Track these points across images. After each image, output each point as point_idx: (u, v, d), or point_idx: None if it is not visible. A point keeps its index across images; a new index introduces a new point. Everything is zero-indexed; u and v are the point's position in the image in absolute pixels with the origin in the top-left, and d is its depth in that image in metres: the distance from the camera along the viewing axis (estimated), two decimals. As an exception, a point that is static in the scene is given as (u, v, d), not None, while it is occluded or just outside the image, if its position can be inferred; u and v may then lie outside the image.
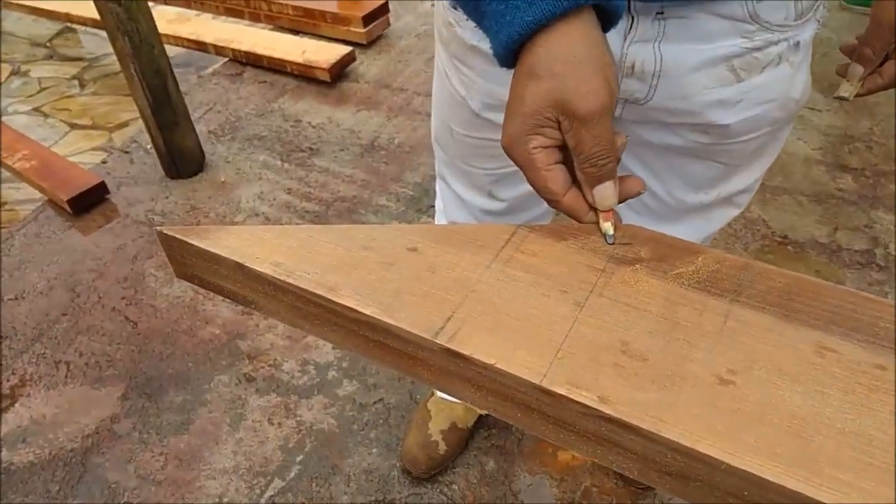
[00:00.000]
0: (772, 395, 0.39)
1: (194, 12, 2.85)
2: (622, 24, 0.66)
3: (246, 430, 1.42)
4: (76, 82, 2.98)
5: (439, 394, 1.37)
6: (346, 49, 2.37)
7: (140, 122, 2.62)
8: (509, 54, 0.48)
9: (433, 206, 1.89)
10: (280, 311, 0.51)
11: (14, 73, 3.07)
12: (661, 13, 0.64)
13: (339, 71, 2.35)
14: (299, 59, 2.33)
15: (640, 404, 0.39)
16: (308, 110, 2.27)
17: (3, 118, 2.51)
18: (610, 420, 0.39)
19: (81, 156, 2.48)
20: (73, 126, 2.72)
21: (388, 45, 2.55)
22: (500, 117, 0.76)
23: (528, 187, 0.87)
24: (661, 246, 0.48)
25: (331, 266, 0.48)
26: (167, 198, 1.97)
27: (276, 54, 2.37)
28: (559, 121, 0.47)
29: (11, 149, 2.09)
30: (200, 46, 2.53)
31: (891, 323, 0.42)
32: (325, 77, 2.31)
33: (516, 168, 0.83)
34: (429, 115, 2.25)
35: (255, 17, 2.67)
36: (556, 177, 0.48)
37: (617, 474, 1.31)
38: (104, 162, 2.15)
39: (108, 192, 1.96)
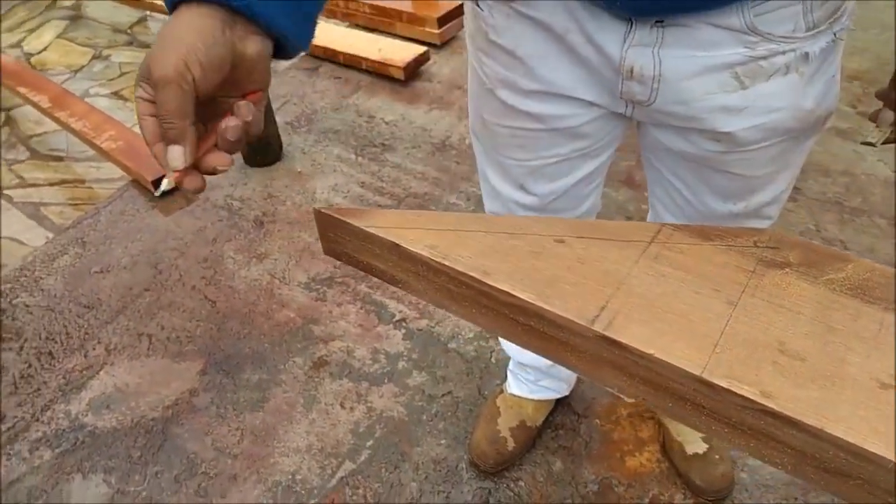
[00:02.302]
0: (934, 402, 0.40)
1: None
2: (621, 28, 0.68)
3: (319, 412, 1.47)
4: (155, 69, 3.09)
5: (510, 390, 1.39)
6: (421, 49, 2.40)
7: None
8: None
9: (504, 207, 1.92)
10: (428, 291, 0.53)
11: (96, 57, 3.20)
12: (660, 21, 0.66)
13: (414, 70, 2.38)
14: (375, 57, 2.38)
15: (802, 401, 0.40)
16: (382, 107, 2.31)
17: (86, 101, 2.61)
18: (773, 415, 0.40)
19: (159, 140, 2.57)
20: (151, 111, 2.82)
21: (460, 46, 2.58)
22: (523, 103, 0.81)
23: (562, 183, 0.91)
24: (809, 252, 0.49)
25: (483, 252, 0.51)
26: (245, 184, 2.04)
27: (353, 51, 2.42)
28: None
29: (99, 129, 2.18)
30: (280, 39, 2.59)
31: None
32: (400, 75, 2.35)
33: (547, 161, 0.87)
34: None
35: (331, 14, 2.73)
36: (146, 126, 0.51)
37: (685, 486, 1.31)
38: (186, 146, 2.22)
39: (190, 175, 2.03)
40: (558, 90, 0.78)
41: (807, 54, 0.68)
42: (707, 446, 1.29)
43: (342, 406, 1.48)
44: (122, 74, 3.05)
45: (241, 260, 1.81)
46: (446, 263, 0.50)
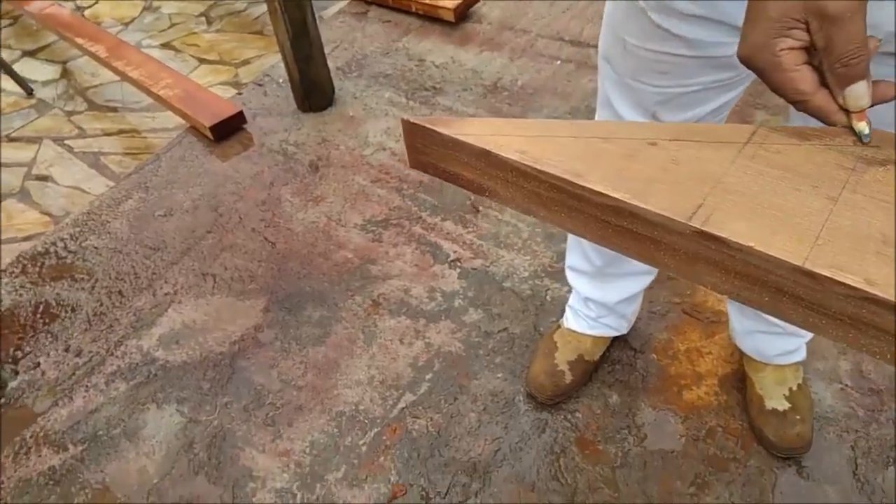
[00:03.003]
0: None
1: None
2: None
3: (378, 346, 1.50)
4: (203, 19, 3.10)
5: (566, 325, 1.40)
6: (472, -11, 2.37)
7: (265, 59, 2.73)
8: None
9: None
10: (517, 197, 0.54)
11: (146, 8, 3.23)
12: None
13: (464, 11, 2.35)
14: (424, 0, 2.35)
15: (907, 289, 0.40)
16: (432, 50, 2.29)
17: (141, 51, 2.65)
18: (877, 301, 0.40)
19: (210, 90, 2.60)
20: (201, 61, 2.84)
21: (511, -14, 2.53)
22: (678, 27, 0.77)
23: (696, 112, 0.87)
24: (912, 149, 0.49)
25: (574, 155, 0.51)
26: (299, 129, 2.06)
27: (402, -7, 2.40)
28: (808, 22, 0.47)
29: (156, 77, 2.22)
30: (327, -16, 2.58)
31: None
32: (450, 17, 2.32)
33: (687, 89, 0.83)
34: (553, 57, 2.23)
35: (378, -44, 2.69)
36: (804, 76, 0.49)
37: (744, 416, 1.31)
38: (240, 94, 2.25)
39: (245, 121, 2.06)
40: (720, 16, 0.73)
41: None
42: (789, 405, 1.25)
43: (401, 342, 1.51)
44: (172, 25, 3.07)
45: (298, 203, 1.84)
46: (537, 167, 0.51)
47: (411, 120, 0.57)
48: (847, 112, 0.49)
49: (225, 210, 1.85)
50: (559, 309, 1.52)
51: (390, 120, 2.06)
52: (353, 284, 1.63)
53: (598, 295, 1.28)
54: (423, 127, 0.56)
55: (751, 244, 0.44)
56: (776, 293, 0.45)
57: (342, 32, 2.43)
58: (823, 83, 0.50)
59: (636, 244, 0.50)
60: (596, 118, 1.05)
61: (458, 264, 1.66)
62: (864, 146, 0.49)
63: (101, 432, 1.43)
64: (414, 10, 2.41)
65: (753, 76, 0.85)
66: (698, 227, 0.45)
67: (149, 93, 2.22)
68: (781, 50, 0.48)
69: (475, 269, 1.64)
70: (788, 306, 0.45)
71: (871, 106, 0.49)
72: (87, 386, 1.52)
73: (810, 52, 0.49)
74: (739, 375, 1.36)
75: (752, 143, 0.50)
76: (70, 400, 1.49)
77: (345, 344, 1.52)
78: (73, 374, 1.54)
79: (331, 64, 2.24)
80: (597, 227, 0.51)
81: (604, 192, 0.48)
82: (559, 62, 2.18)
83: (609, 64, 0.92)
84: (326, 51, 2.29)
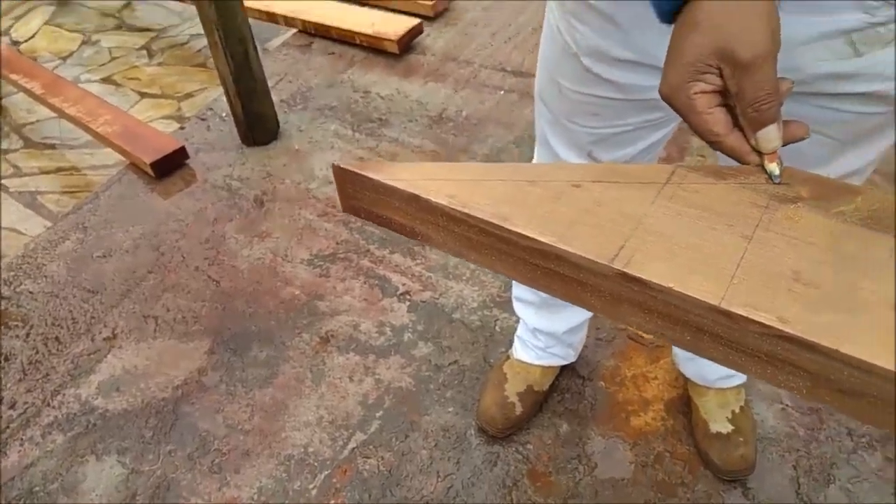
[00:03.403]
0: (946, 321, 0.41)
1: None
2: None
3: (327, 385, 1.48)
4: (144, 52, 3.06)
5: (516, 356, 1.40)
6: (414, 21, 2.39)
7: (209, 92, 2.70)
8: (673, 10, 0.50)
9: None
10: (448, 241, 0.54)
11: (85, 42, 3.17)
12: None
13: (408, 43, 2.38)
14: (368, 31, 2.37)
15: (817, 325, 0.41)
16: (377, 81, 2.31)
17: (79, 86, 2.59)
18: (790, 339, 0.41)
19: (152, 124, 2.56)
20: (143, 95, 2.80)
21: (454, 17, 2.57)
22: (609, 72, 0.79)
23: (629, 151, 0.89)
24: (820, 185, 0.51)
25: (502, 199, 0.52)
26: (244, 164, 2.04)
27: (346, 25, 2.41)
28: (720, 68, 0.49)
29: (94, 114, 2.17)
30: (271, 17, 2.58)
31: None
32: (394, 49, 2.34)
33: (619, 129, 0.86)
34: (496, 87, 2.26)
35: (321, -10, 2.71)
36: (717, 119, 0.50)
37: (690, 440, 1.33)
38: (182, 128, 2.22)
39: (187, 157, 2.03)
40: (650, 60, 0.75)
41: None
42: (732, 428, 1.28)
43: (350, 379, 1.49)
44: (112, 59, 3.02)
45: (243, 239, 1.82)
46: (466, 211, 0.51)
47: (342, 165, 0.57)
48: (759, 153, 0.51)
49: (167, 249, 1.81)
50: (508, 339, 1.53)
51: (336, 153, 2.06)
52: (300, 322, 1.60)
53: (545, 325, 1.29)
54: (354, 172, 0.56)
55: (670, 285, 0.45)
56: (697, 332, 0.46)
57: (286, 65, 2.43)
58: (738, 124, 0.52)
59: (563, 286, 0.50)
60: (535, 154, 1.07)
61: (408, 297, 1.65)
62: (775, 185, 0.51)
63: (37, 488, 1.37)
64: (358, 42, 2.42)
65: None
66: (620, 268, 0.46)
67: (87, 130, 2.17)
68: (695, 93, 0.50)
69: (424, 301, 1.64)
70: (709, 345, 0.46)
71: (785, 145, 0.51)
72: (21, 440, 1.45)
73: (725, 94, 0.51)
74: (685, 399, 1.39)
75: (671, 184, 0.52)
76: (4, 455, 1.42)
77: (292, 384, 1.49)
78: (7, 427, 1.47)
79: (275, 97, 2.23)
80: (526, 269, 0.52)
81: (530, 235, 0.49)
82: (502, 92, 2.22)
83: (545, 104, 0.94)
84: (270, 84, 2.28)
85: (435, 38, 2.47)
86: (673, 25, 0.52)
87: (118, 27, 3.24)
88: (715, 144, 0.51)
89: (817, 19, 0.65)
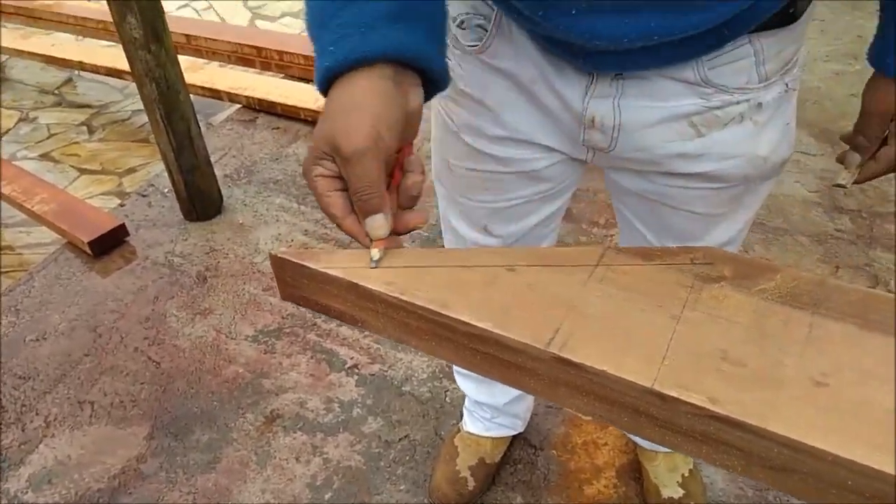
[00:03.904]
0: (863, 395, 0.43)
1: (203, 61, 2.93)
2: (583, 81, 0.71)
3: (273, 467, 1.43)
4: (84, 128, 3.03)
5: (466, 428, 1.39)
6: (358, 97, 2.44)
7: (150, 168, 2.68)
8: (324, 95, 0.53)
9: (449, 247, 1.94)
10: (388, 327, 0.54)
11: (22, 119, 3.13)
12: (620, 74, 0.70)
13: (351, 118, 2.42)
14: (313, 107, 2.40)
15: (745, 404, 0.43)
16: (321, 155, 2.33)
17: (14, 164, 2.54)
18: (720, 419, 0.43)
19: (92, 200, 2.51)
20: (82, 171, 2.76)
21: (396, 93, 2.63)
22: (489, 147, 0.83)
23: (523, 225, 0.93)
24: (741, 265, 0.53)
25: (439, 285, 0.52)
26: (186, 240, 2.01)
27: (290, 101, 2.44)
28: (333, 157, 0.51)
29: (30, 192, 2.12)
30: (214, 94, 2.59)
31: (959, 331, 0.47)
32: (338, 123, 2.38)
33: (510, 202, 0.90)
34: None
35: (265, 66, 2.75)
36: (334, 202, 0.52)
37: (644, 507, 1.33)
38: (122, 205, 2.18)
39: (127, 234, 1.99)
40: (523, 136, 0.80)
41: (760, 104, 0.71)
42: (683, 492, 1.29)
43: (297, 460, 1.45)
44: (50, 136, 2.98)
45: (185, 317, 1.77)
46: (404, 298, 0.52)
47: (279, 255, 0.57)
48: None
49: (104, 330, 1.75)
50: (459, 410, 1.51)
51: (281, 226, 2.05)
52: (244, 401, 1.56)
53: (485, 398, 1.28)
54: (292, 262, 0.56)
55: (604, 368, 0.46)
56: (633, 414, 0.46)
57: (230, 139, 2.44)
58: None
59: (503, 370, 0.51)
60: (442, 234, 1.09)
61: (356, 371, 1.63)
62: (700, 265, 0.53)
63: None
64: (303, 116, 2.46)
65: (574, 187, 0.93)
66: (556, 352, 0.47)
67: (22, 209, 2.11)
68: (316, 176, 0.52)
69: (373, 374, 1.62)
70: (646, 426, 0.46)
71: (401, 234, 0.54)
72: (-61, 541, 1.35)
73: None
74: (635, 465, 1.39)
75: (601, 266, 0.54)
76: (-83, 561, 1.32)
77: (236, 468, 1.43)
78: (-78, 529, 1.36)
79: (219, 171, 2.23)
80: (466, 354, 0.52)
81: (468, 321, 0.50)
82: (446, 164, 2.27)
83: (440, 183, 0.96)
84: (214, 158, 2.28)
85: (379, 112, 2.52)
86: None
87: (58, 104, 3.21)
88: (337, 226, 0.54)
89: (658, 105, 0.71)
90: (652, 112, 0.71)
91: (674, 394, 0.44)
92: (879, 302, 0.49)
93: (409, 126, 0.52)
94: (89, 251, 1.92)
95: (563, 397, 0.49)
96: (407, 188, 0.53)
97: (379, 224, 0.52)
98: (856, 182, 0.78)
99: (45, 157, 2.86)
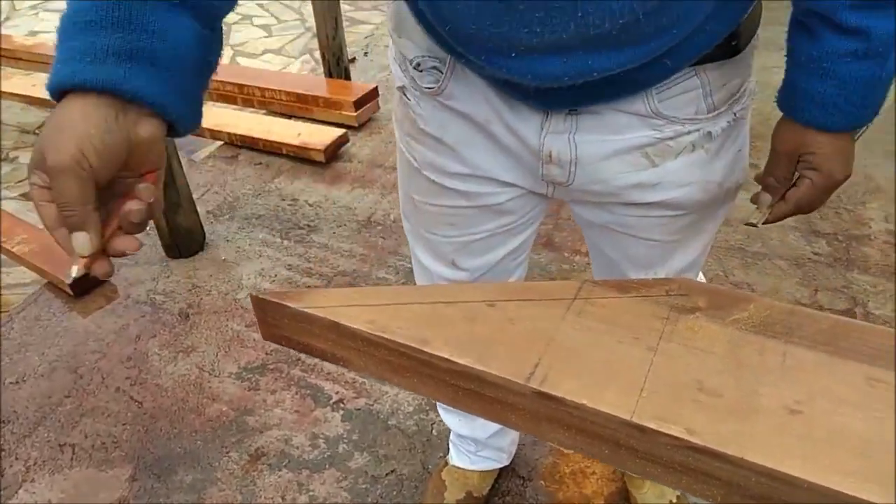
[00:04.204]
0: (837, 422, 0.44)
1: (186, 99, 2.95)
2: (538, 117, 0.73)
3: (259, 507, 1.41)
4: (66, 167, 3.02)
5: (453, 462, 1.38)
6: (340, 131, 2.47)
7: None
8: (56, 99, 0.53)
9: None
10: (370, 365, 0.55)
11: (3, 159, 3.11)
12: (574, 110, 0.72)
13: (334, 152, 2.44)
14: (295, 142, 2.42)
15: (723, 434, 0.44)
16: (304, 189, 2.34)
17: (-5, 203, 2.52)
18: (698, 450, 0.43)
19: (73, 239, 2.50)
20: (63, 210, 2.74)
21: (378, 126, 2.66)
22: (450, 182, 0.85)
23: (489, 258, 0.95)
24: (715, 295, 0.54)
25: (420, 322, 0.53)
26: (168, 277, 2.00)
27: (272, 137, 2.46)
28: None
29: (10, 233, 2.11)
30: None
31: (927, 356, 0.48)
32: (320, 158, 2.39)
33: (475, 237, 0.91)
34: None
35: (247, 103, 2.77)
36: (45, 213, 0.52)
37: (634, 537, 1.32)
38: (103, 243, 2.17)
39: (108, 272, 1.98)
40: (483, 173, 0.82)
41: (710, 133, 0.74)
42: None
43: (283, 499, 1.43)
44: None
45: (167, 355, 1.75)
46: (385, 336, 0.52)
47: (259, 295, 0.57)
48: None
49: (85, 371, 1.72)
50: (446, 443, 1.50)
51: (265, 261, 2.05)
52: (228, 440, 1.54)
53: (468, 431, 1.28)
54: (272, 301, 0.56)
55: (584, 401, 0.46)
56: (614, 446, 0.47)
57: (212, 176, 2.44)
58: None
59: (484, 405, 0.51)
60: (414, 271, 1.09)
61: (341, 405, 1.62)
62: (675, 296, 0.54)
63: None
64: (285, 152, 2.47)
65: (539, 219, 0.94)
66: (536, 387, 0.48)
67: (1, 250, 2.09)
68: (32, 184, 0.52)
69: (359, 409, 1.61)
70: (626, 458, 0.47)
71: (117, 256, 0.54)
72: None
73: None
74: (624, 493, 1.39)
75: (579, 299, 0.54)
76: None
77: (221, 507, 1.41)
78: None
79: (201, 208, 2.23)
80: (447, 390, 0.52)
81: (449, 357, 0.50)
82: (428, 196, 2.28)
83: (406, 219, 0.98)
84: (196, 195, 2.28)
85: (361, 147, 2.55)
86: None
87: (38, 142, 3.20)
88: (50, 233, 0.53)
89: (612, 138, 0.73)
90: (606, 145, 0.73)
91: (652, 426, 0.44)
92: (849, 329, 0.51)
93: (139, 154, 0.52)
94: (70, 291, 1.90)
95: (545, 431, 0.49)
96: (125, 213, 0.53)
97: (80, 242, 0.51)
98: (766, 222, 0.79)
99: (25, 197, 2.84)
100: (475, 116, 0.77)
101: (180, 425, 1.58)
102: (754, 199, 0.81)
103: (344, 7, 3.42)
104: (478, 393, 0.50)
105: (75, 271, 0.53)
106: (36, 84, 3.17)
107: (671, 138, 0.73)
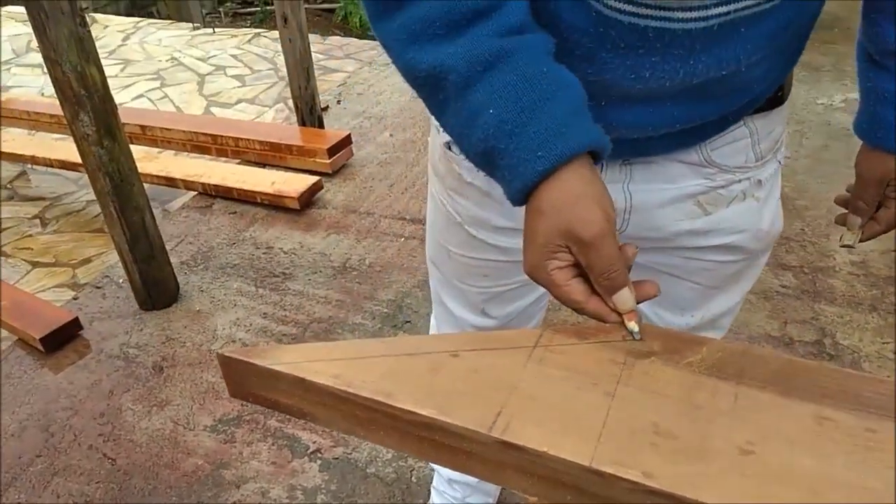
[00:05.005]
0: (787, 461, 0.46)
1: (157, 150, 2.96)
2: None
3: (236, 564, 1.38)
4: (38, 221, 3.00)
5: (433, 511, 1.37)
6: (314, 178, 2.49)
7: (107, 257, 2.65)
8: (522, 198, 0.57)
9: (408, 322, 1.96)
10: (336, 420, 0.55)
11: (-27, 215, 3.08)
12: (628, 160, 0.74)
13: (308, 199, 2.45)
14: (269, 190, 2.44)
15: (679, 476, 0.45)
16: (279, 237, 2.35)
17: (-35, 260, 2.49)
18: (655, 492, 0.44)
19: (45, 293, 2.46)
20: (35, 264, 2.71)
21: (352, 173, 2.69)
22: (493, 238, 0.86)
23: (519, 305, 0.95)
24: (670, 339, 0.56)
25: (384, 375, 0.54)
26: (142, 330, 1.98)
27: (247, 186, 2.47)
28: (569, 246, 0.55)
29: (-21, 290, 2.08)
30: (170, 182, 2.61)
31: (872, 392, 0.50)
32: (295, 205, 2.41)
33: (508, 287, 0.92)
34: (397, 235, 2.35)
35: (221, 153, 2.79)
36: (575, 289, 0.56)
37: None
38: (76, 298, 2.15)
39: (81, 327, 1.96)
40: None
41: (759, 181, 0.77)
42: None
43: (261, 553, 1.40)
44: (1, 230, 2.94)
45: (141, 410, 1.73)
46: (350, 391, 0.53)
47: (225, 353, 0.58)
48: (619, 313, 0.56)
49: (57, 429, 1.69)
50: (426, 490, 1.49)
51: (239, 311, 2.04)
52: (204, 495, 1.51)
53: (459, 475, 1.27)
54: (238, 360, 0.57)
55: (544, 449, 0.47)
56: (576, 492, 0.48)
57: (186, 226, 2.44)
58: (595, 290, 0.57)
59: (450, 456, 0.52)
60: (433, 313, 1.10)
61: (319, 455, 1.60)
62: (630, 340, 0.56)
63: None
64: (259, 200, 2.48)
65: None
66: (498, 436, 0.49)
67: (-29, 307, 2.06)
68: (552, 269, 0.56)
69: (337, 458, 1.59)
70: (589, 502, 0.48)
71: (638, 303, 0.57)
72: None
73: (578, 265, 0.57)
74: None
75: (539, 346, 0.56)
76: None
77: (197, 566, 1.38)
78: None
79: (175, 259, 2.22)
80: (413, 442, 0.53)
81: (412, 409, 0.51)
82: (403, 239, 2.30)
83: (437, 268, 0.99)
84: (170, 246, 2.28)
85: (335, 193, 2.57)
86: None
87: (10, 198, 3.18)
88: (579, 311, 0.56)
89: (666, 187, 0.75)
90: (660, 194, 0.75)
91: (611, 471, 0.46)
92: (798, 369, 0.53)
93: None
94: (41, 347, 1.88)
95: (509, 479, 0.50)
96: (628, 259, 0.56)
97: (626, 297, 0.55)
98: (860, 241, 0.84)
99: (-6, 253, 2.81)
100: None
101: (155, 481, 1.55)
102: (841, 221, 0.84)
103: (317, 56, 3.49)
104: (442, 443, 0.51)
105: (635, 326, 0.56)
106: (7, 139, 3.17)
107: (723, 187, 0.75)
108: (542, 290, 0.94)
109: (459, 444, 0.51)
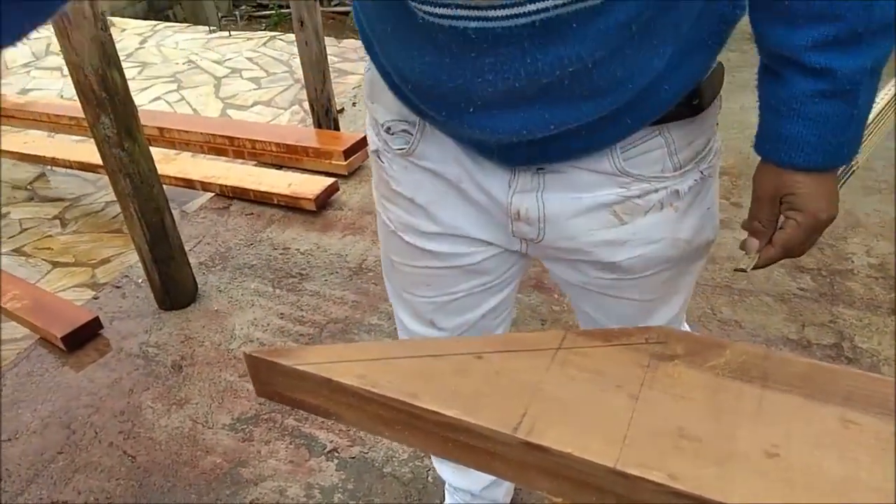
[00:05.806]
0: (813, 464, 0.46)
1: (174, 152, 2.99)
2: (506, 176, 0.76)
3: (254, 562, 1.40)
4: (57, 222, 3.04)
5: (448, 514, 1.37)
6: (330, 180, 2.50)
7: (125, 257, 2.68)
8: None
9: (424, 324, 1.96)
10: (362, 420, 0.56)
11: (-2, 215, 3.13)
12: (541, 168, 0.74)
13: (324, 200, 2.47)
14: (286, 192, 2.45)
15: (704, 479, 0.45)
16: (296, 238, 2.36)
17: (-13, 259, 2.53)
18: (680, 494, 0.45)
19: (65, 293, 2.49)
20: (55, 264, 2.75)
21: (368, 174, 2.70)
22: (423, 243, 0.86)
23: (468, 317, 0.96)
24: (692, 342, 0.56)
25: (410, 376, 0.55)
26: (161, 329, 2.00)
27: (263, 187, 2.49)
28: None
29: (2, 289, 2.11)
30: (188, 184, 2.64)
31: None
32: (311, 207, 2.43)
33: (453, 297, 0.93)
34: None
35: (238, 154, 2.81)
36: None
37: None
38: (96, 297, 2.18)
39: (101, 326, 1.98)
40: (456, 231, 0.83)
41: (678, 191, 0.76)
42: None
43: (279, 551, 1.41)
44: (22, 231, 2.98)
45: (161, 408, 1.75)
46: (376, 391, 0.54)
47: (253, 354, 0.59)
48: None
49: (78, 426, 1.71)
50: (442, 490, 1.50)
51: (257, 310, 2.06)
52: (222, 493, 1.53)
53: (462, 483, 1.28)
54: (266, 360, 0.58)
55: (569, 450, 0.48)
56: (600, 493, 0.48)
57: (204, 227, 2.47)
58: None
59: (474, 456, 0.53)
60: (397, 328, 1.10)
61: (336, 454, 1.61)
62: (654, 344, 0.56)
63: None
64: (276, 201, 2.50)
65: (517, 278, 0.95)
66: (524, 437, 0.49)
67: (-6, 306, 2.09)
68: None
69: (353, 457, 1.60)
70: (613, 504, 0.48)
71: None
72: None
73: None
74: (622, 537, 1.38)
75: (563, 349, 0.56)
76: None
77: (216, 563, 1.40)
78: None
79: (193, 259, 2.24)
80: (437, 442, 0.54)
81: (438, 410, 0.52)
82: (419, 241, 2.31)
83: (387, 280, 1.00)
84: (188, 246, 2.30)
85: (351, 194, 2.58)
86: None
87: (30, 199, 3.22)
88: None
89: (580, 196, 0.75)
90: (574, 203, 0.75)
91: (636, 472, 0.46)
92: (822, 372, 0.53)
93: None
94: (62, 346, 1.90)
95: (533, 480, 0.51)
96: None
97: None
98: (755, 267, 0.79)
99: (17, 251, 2.85)
100: (446, 175, 0.79)
101: (174, 479, 1.57)
102: (742, 246, 0.80)
103: (332, 59, 3.50)
104: (466, 444, 0.52)
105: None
106: (27, 141, 3.21)
107: (638, 196, 0.75)
108: (492, 303, 0.95)
109: (484, 445, 0.51)
